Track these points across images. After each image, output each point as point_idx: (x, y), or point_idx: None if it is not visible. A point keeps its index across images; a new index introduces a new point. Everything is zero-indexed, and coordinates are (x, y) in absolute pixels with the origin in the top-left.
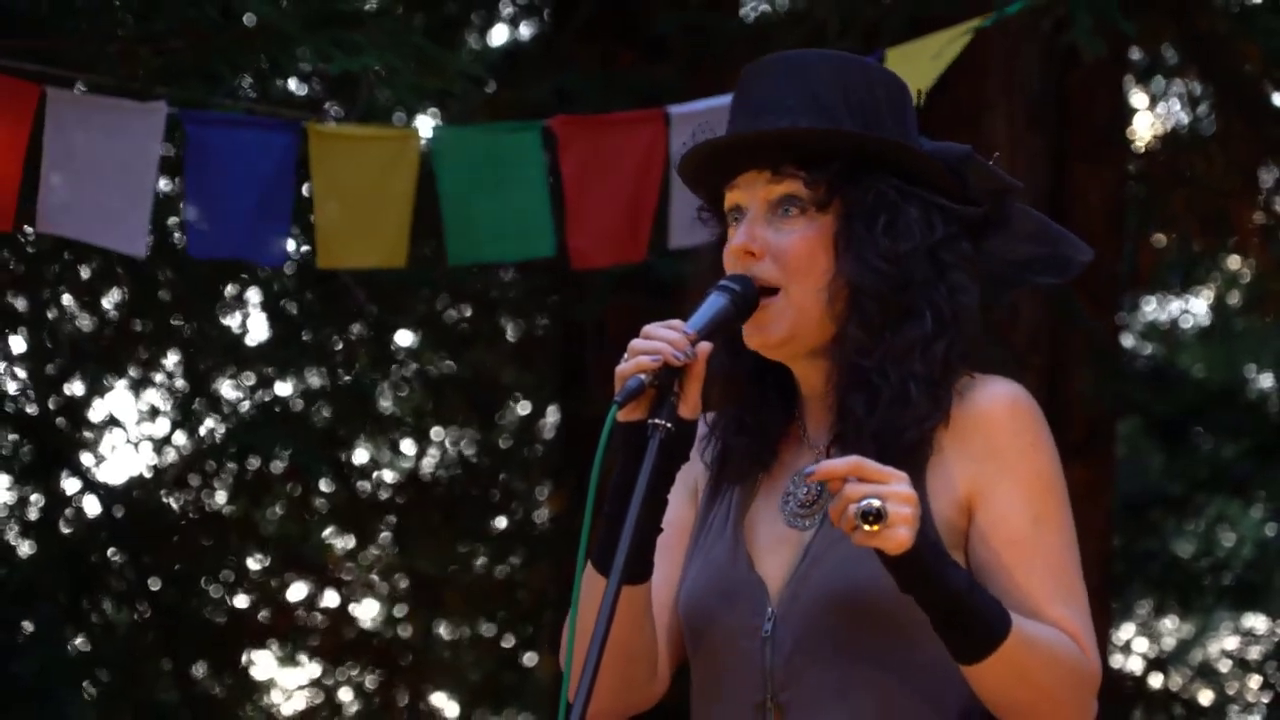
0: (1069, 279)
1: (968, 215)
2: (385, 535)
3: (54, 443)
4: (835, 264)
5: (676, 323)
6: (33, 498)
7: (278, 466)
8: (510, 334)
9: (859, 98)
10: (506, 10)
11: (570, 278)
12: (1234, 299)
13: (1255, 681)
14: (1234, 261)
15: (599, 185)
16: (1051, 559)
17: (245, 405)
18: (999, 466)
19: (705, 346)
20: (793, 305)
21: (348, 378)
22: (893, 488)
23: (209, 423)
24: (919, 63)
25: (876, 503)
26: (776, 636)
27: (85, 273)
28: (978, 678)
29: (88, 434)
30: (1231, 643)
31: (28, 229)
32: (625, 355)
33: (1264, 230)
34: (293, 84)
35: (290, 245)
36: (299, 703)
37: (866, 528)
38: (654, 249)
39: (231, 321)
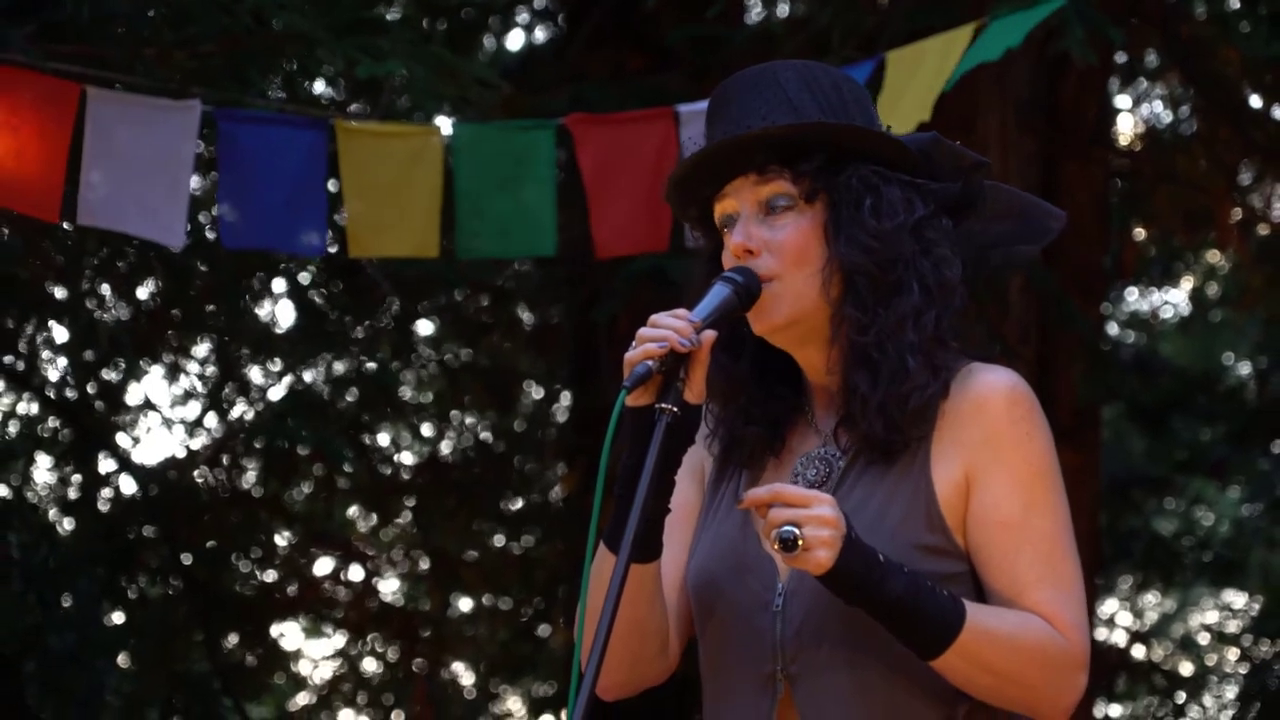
0: (1045, 244)
1: (944, 193)
2: (406, 514)
3: (92, 425)
4: (827, 250)
5: (682, 312)
6: (72, 478)
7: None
8: (525, 324)
9: (826, 97)
10: (522, 16)
11: (585, 270)
12: (1213, 291)
13: (1233, 654)
14: (1213, 255)
15: (617, 179)
16: (1040, 544)
17: (274, 390)
18: (994, 453)
19: (709, 334)
20: (791, 291)
21: (371, 365)
22: (812, 511)
23: (239, 407)
24: (916, 66)
25: (793, 530)
26: (787, 611)
27: (122, 265)
28: (940, 669)
29: (124, 417)
30: (1211, 616)
31: (65, 225)
32: (633, 343)
33: (1242, 226)
34: (319, 86)
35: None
36: (325, 672)
37: (786, 553)
38: (685, 248)
39: (261, 311)
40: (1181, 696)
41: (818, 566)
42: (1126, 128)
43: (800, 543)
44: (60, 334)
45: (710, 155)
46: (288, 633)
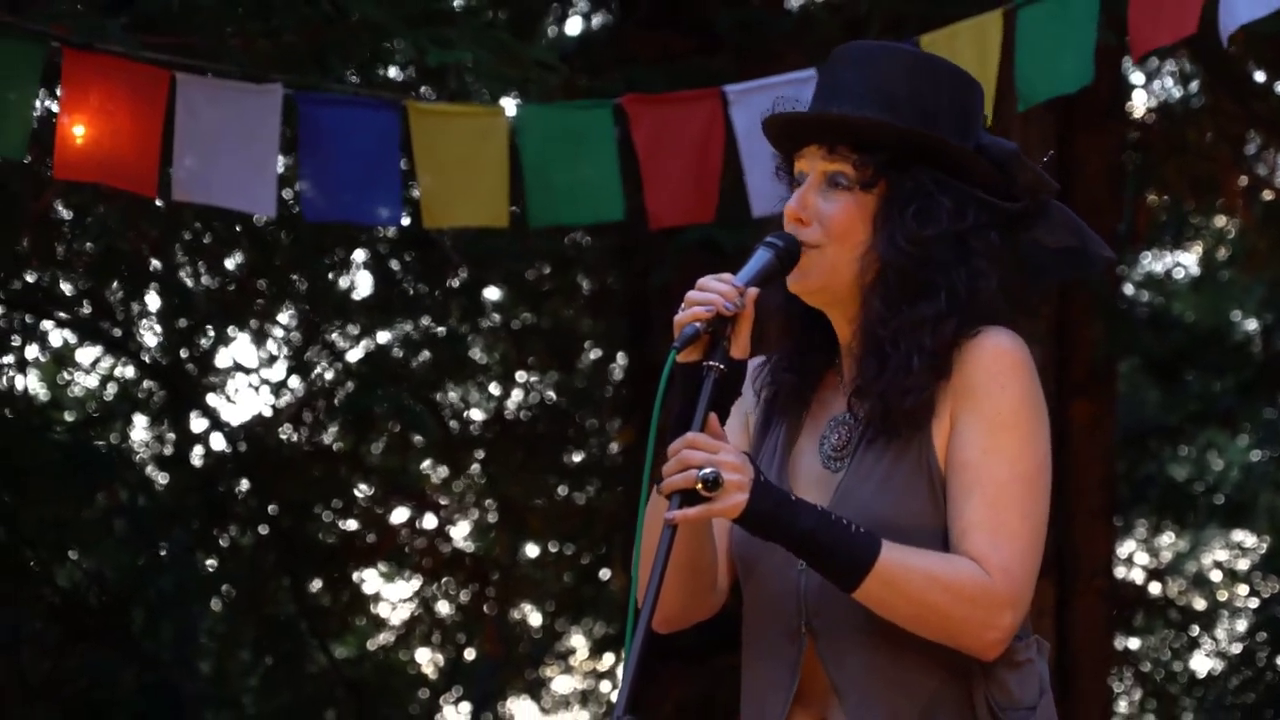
0: (1095, 273)
1: (1003, 209)
2: (476, 466)
3: (185, 387)
4: (871, 238)
5: (727, 276)
6: (167, 436)
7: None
8: (584, 289)
9: (921, 94)
10: (579, 4)
11: (640, 241)
12: (1221, 253)
13: (1243, 590)
14: (1221, 220)
15: (668, 155)
16: (989, 489)
17: (352, 353)
18: (969, 401)
19: (753, 292)
20: (828, 262)
21: (442, 329)
22: (722, 457)
23: (320, 368)
24: (950, 51)
25: (716, 470)
26: (811, 569)
27: (210, 238)
28: (862, 600)
29: (214, 379)
30: (1222, 555)
31: (159, 201)
32: (682, 305)
33: (1247, 192)
34: (391, 71)
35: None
36: (403, 613)
37: (706, 494)
38: (731, 218)
39: (340, 279)
40: (1195, 629)
41: (735, 508)
42: (1139, 102)
43: (721, 482)
44: (155, 302)
45: (790, 123)
46: (368, 577)
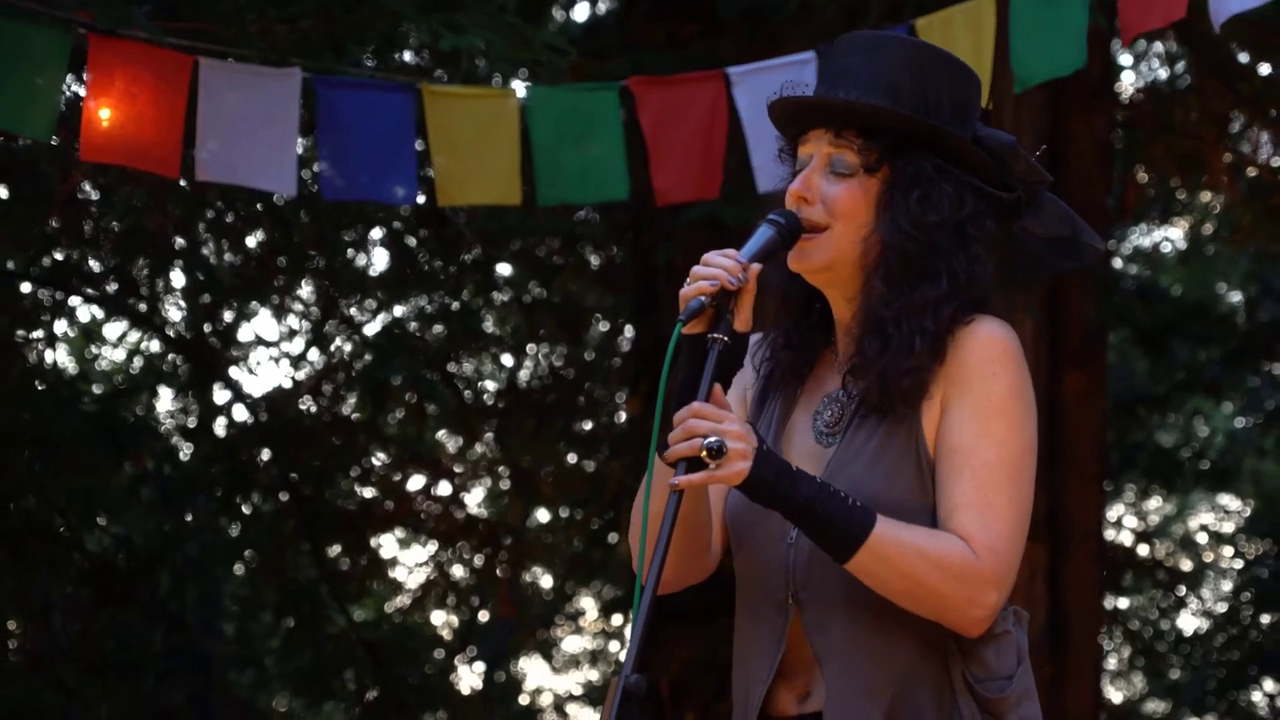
0: (1086, 265)
1: (1000, 198)
2: (489, 435)
3: (209, 360)
4: (874, 221)
5: (731, 251)
6: (191, 407)
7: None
8: (593, 264)
9: (924, 84)
10: None
11: (647, 218)
12: (1207, 228)
13: (1228, 551)
14: (1207, 196)
15: (673, 135)
16: (979, 471)
17: (370, 326)
18: (960, 388)
19: (756, 268)
20: (833, 243)
21: (456, 303)
22: (726, 425)
23: (339, 341)
24: (946, 34)
25: (720, 439)
26: (800, 542)
27: (232, 217)
28: (854, 571)
29: (237, 352)
30: (1208, 518)
31: (183, 182)
32: (688, 280)
33: (1232, 169)
34: (406, 55)
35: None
36: (419, 577)
37: (711, 462)
38: (735, 195)
39: (358, 256)
40: (1182, 590)
41: (738, 476)
42: (1128, 83)
43: (725, 450)
44: (179, 279)
45: (797, 107)
46: (385, 543)
